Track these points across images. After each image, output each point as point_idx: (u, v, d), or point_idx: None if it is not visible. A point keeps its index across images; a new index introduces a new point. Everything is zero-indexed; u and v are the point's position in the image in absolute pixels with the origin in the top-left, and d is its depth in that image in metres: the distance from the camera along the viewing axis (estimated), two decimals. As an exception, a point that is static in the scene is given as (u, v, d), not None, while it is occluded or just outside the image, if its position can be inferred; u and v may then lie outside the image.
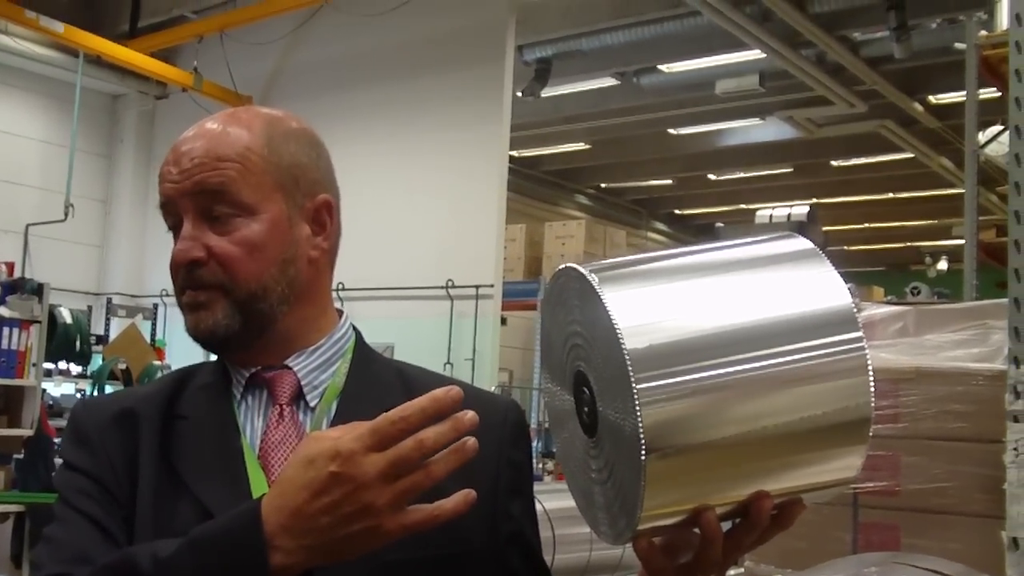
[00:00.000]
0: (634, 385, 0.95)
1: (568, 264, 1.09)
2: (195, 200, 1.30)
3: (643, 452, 0.95)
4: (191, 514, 1.21)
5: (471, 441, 1.03)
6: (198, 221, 1.30)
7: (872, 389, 1.02)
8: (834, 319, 1.02)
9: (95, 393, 8.16)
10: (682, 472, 0.97)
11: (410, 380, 1.39)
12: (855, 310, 1.03)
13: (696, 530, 1.04)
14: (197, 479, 1.25)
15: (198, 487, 1.24)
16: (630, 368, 0.95)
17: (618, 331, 0.97)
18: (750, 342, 0.99)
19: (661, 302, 1.01)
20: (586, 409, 1.08)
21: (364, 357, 1.41)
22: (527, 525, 1.40)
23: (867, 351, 1.02)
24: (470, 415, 1.02)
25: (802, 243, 1.09)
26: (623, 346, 0.96)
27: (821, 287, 1.04)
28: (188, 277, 1.31)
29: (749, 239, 1.10)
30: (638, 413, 0.95)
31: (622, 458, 1.00)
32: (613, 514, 1.06)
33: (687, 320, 0.99)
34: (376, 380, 1.38)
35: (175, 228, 1.33)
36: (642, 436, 0.95)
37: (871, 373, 1.02)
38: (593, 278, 1.02)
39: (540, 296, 12.06)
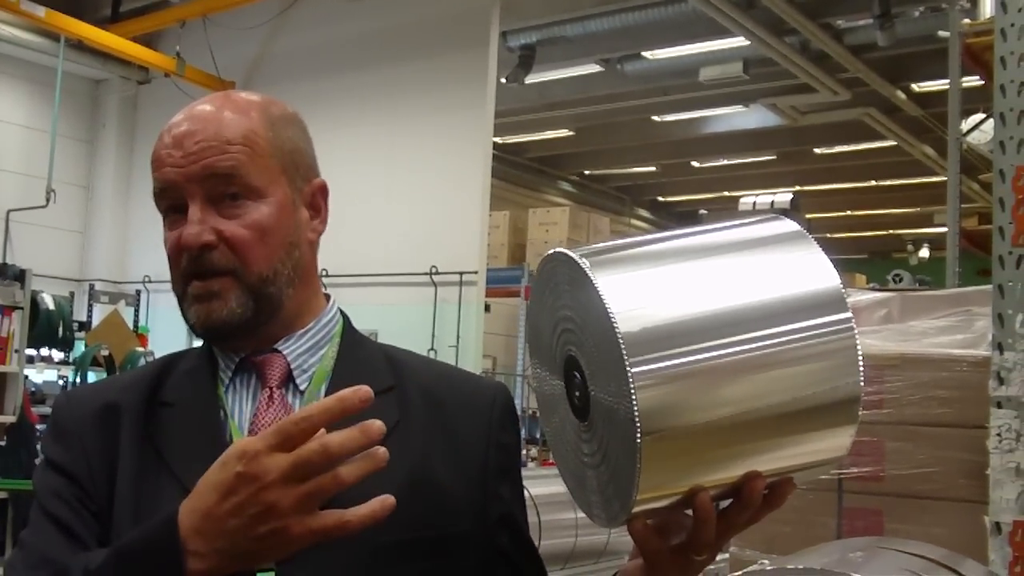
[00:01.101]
0: (628, 368, 0.96)
1: (557, 249, 1.09)
2: (203, 184, 1.28)
3: (638, 434, 0.96)
4: (177, 499, 1.18)
5: (381, 451, 1.01)
6: (205, 205, 1.28)
7: (861, 368, 1.03)
8: (823, 300, 1.03)
9: (78, 380, 8.12)
10: (676, 454, 0.98)
11: (398, 363, 1.40)
12: (843, 291, 1.05)
13: (689, 511, 1.05)
14: (182, 464, 1.24)
15: (183, 472, 1.22)
16: (624, 352, 0.96)
17: (611, 315, 0.97)
18: (742, 324, 0.99)
19: (653, 285, 1.01)
20: (577, 393, 1.08)
21: (352, 341, 1.41)
22: (516, 506, 1.40)
23: (855, 331, 1.03)
24: (378, 424, 1.01)
25: (790, 225, 1.10)
26: (616, 330, 0.97)
27: (810, 269, 1.05)
28: (197, 263, 1.28)
29: (736, 222, 1.11)
30: (633, 396, 0.95)
31: (616, 441, 1.01)
32: (607, 496, 1.06)
33: (679, 303, 1.00)
34: (365, 364, 1.38)
35: (172, 213, 1.30)
36: (637, 418, 0.95)
37: (860, 352, 1.03)
38: (584, 263, 1.02)
39: (524, 283, 12.10)
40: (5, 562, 6.69)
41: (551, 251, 1.10)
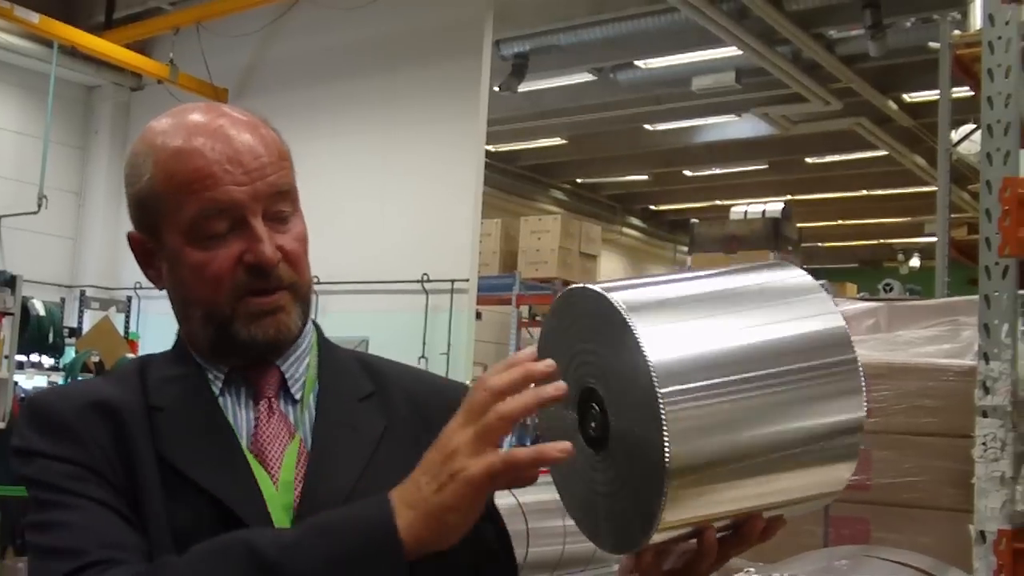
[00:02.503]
0: (661, 408, 1.01)
1: (581, 284, 1.14)
2: (267, 201, 1.28)
3: (666, 479, 1.01)
4: (204, 508, 1.20)
5: (552, 387, 1.07)
6: (262, 223, 1.28)
7: (865, 403, 1.13)
8: (838, 363, 1.12)
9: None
10: (696, 490, 1.04)
11: (373, 369, 1.43)
12: (849, 336, 1.14)
13: (689, 541, 1.12)
14: (203, 473, 1.23)
15: (207, 481, 1.22)
16: (662, 405, 1.01)
17: (652, 369, 1.02)
18: (761, 367, 1.07)
19: (688, 340, 1.07)
20: (593, 424, 1.12)
21: (328, 349, 1.42)
22: (492, 499, 1.44)
23: (860, 369, 1.13)
24: (547, 362, 1.08)
25: (801, 275, 1.19)
26: (653, 375, 1.02)
27: (827, 331, 1.13)
28: (264, 279, 1.27)
29: (750, 266, 1.20)
30: (665, 434, 1.01)
31: (637, 474, 1.05)
32: (619, 525, 1.11)
33: (711, 359, 1.06)
34: (344, 371, 1.40)
35: (216, 233, 1.27)
36: (667, 455, 1.01)
37: (864, 388, 1.13)
38: (621, 305, 1.07)
39: (515, 291, 12.09)
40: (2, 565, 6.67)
41: (573, 286, 1.16)
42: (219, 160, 1.26)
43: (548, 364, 1.07)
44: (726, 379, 1.04)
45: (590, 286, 1.12)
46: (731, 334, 1.08)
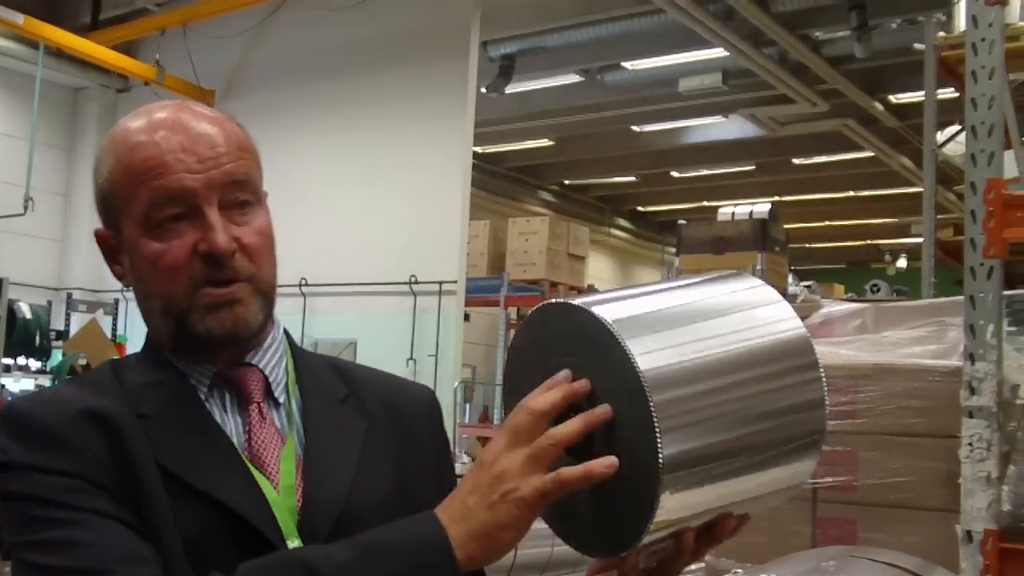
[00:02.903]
0: (656, 425, 1.06)
1: (562, 301, 1.19)
2: (222, 190, 1.26)
3: (660, 482, 1.06)
4: (212, 515, 1.19)
5: (599, 409, 1.11)
6: (217, 212, 1.26)
7: (826, 399, 1.21)
8: (797, 349, 1.21)
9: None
10: (683, 496, 1.10)
11: (343, 371, 1.43)
12: (810, 339, 1.23)
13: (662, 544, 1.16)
14: (207, 480, 1.21)
15: (212, 488, 1.20)
16: (654, 413, 1.06)
17: (643, 378, 1.08)
18: (739, 389, 1.14)
19: (669, 351, 1.12)
20: None
21: (299, 351, 1.42)
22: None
23: (822, 373, 1.21)
24: (584, 383, 1.13)
25: (757, 284, 1.26)
26: (647, 392, 1.07)
27: (791, 338, 1.21)
28: (220, 270, 1.25)
29: (720, 278, 1.28)
30: (660, 449, 1.06)
31: (625, 482, 1.09)
32: (606, 532, 1.15)
33: (692, 369, 1.12)
34: (318, 374, 1.40)
35: (169, 223, 1.25)
36: (662, 467, 1.06)
37: (825, 388, 1.21)
38: (607, 320, 1.12)
39: (503, 292, 12.09)
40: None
41: (547, 302, 1.21)
42: (173, 149, 1.26)
43: (584, 384, 1.12)
44: (707, 386, 1.11)
45: (571, 302, 1.16)
46: (708, 344, 1.14)
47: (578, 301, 1.15)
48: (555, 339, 1.18)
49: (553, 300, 1.20)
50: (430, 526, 1.10)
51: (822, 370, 1.21)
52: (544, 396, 1.11)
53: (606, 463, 1.07)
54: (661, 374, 1.08)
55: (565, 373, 1.14)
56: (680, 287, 1.25)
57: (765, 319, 1.20)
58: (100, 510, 1.15)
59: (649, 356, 1.09)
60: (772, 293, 1.25)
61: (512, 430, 1.11)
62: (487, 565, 1.12)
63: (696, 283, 1.26)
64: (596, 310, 1.13)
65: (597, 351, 1.12)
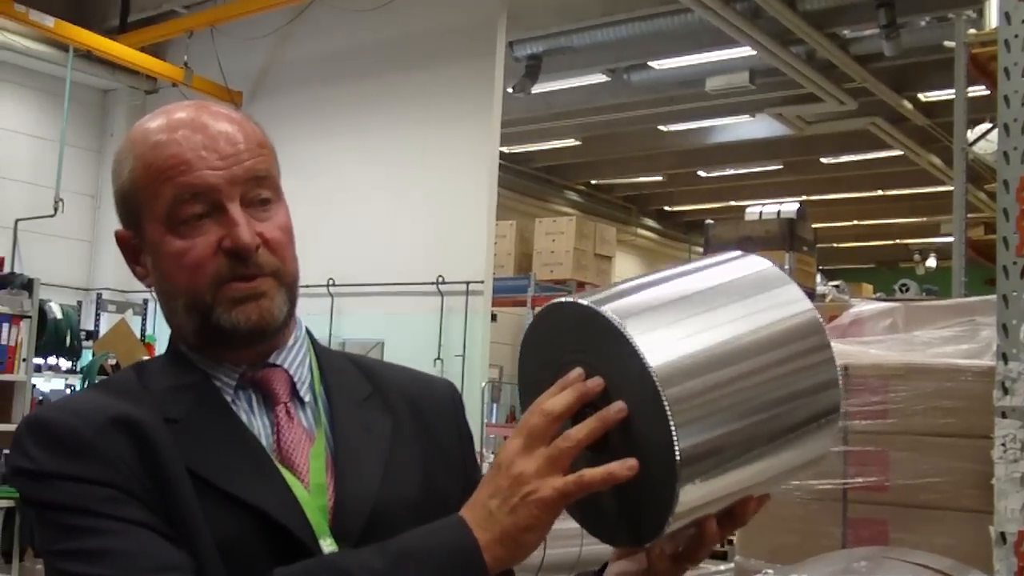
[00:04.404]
0: (670, 417, 1.07)
1: (569, 300, 1.19)
2: (245, 186, 1.28)
3: (678, 472, 1.07)
4: (244, 519, 1.19)
5: (614, 407, 1.11)
6: (239, 208, 1.27)
7: (840, 375, 1.21)
8: (806, 329, 1.20)
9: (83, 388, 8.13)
10: (702, 484, 1.10)
11: (366, 368, 1.44)
12: (819, 318, 1.22)
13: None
14: (239, 484, 1.21)
15: (244, 491, 1.21)
16: (667, 405, 1.07)
17: (653, 373, 1.08)
18: (752, 374, 1.14)
19: (679, 341, 1.12)
20: None
21: (321, 349, 1.42)
22: None
23: (832, 351, 1.21)
24: (598, 380, 1.14)
25: (772, 268, 1.26)
26: (658, 385, 1.07)
27: (801, 319, 1.21)
28: (244, 265, 1.26)
29: (724, 261, 1.27)
30: (675, 440, 1.06)
31: (645, 473, 1.10)
32: (631, 522, 1.16)
33: (704, 357, 1.12)
34: (342, 372, 1.41)
35: (192, 220, 1.26)
36: (679, 457, 1.06)
37: (837, 364, 1.21)
38: (613, 316, 1.12)
39: (530, 292, 12.09)
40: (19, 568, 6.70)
41: (554, 301, 1.21)
42: (194, 147, 1.27)
43: (598, 383, 1.12)
44: (719, 376, 1.11)
45: (577, 300, 1.17)
46: (716, 331, 1.14)
47: (585, 300, 1.15)
48: (565, 337, 1.19)
49: (560, 299, 1.20)
50: (459, 532, 1.10)
51: (832, 349, 1.21)
52: (558, 398, 1.12)
53: (627, 465, 1.08)
54: (672, 367, 1.09)
55: (578, 372, 1.14)
56: (685, 273, 1.25)
57: (773, 302, 1.20)
58: (132, 518, 1.15)
59: (658, 350, 1.09)
60: (779, 275, 1.25)
61: (528, 432, 1.11)
62: (514, 565, 1.13)
63: (702, 268, 1.26)
64: (602, 308, 1.13)
65: (607, 348, 1.12)
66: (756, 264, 1.26)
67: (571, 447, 1.09)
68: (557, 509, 1.10)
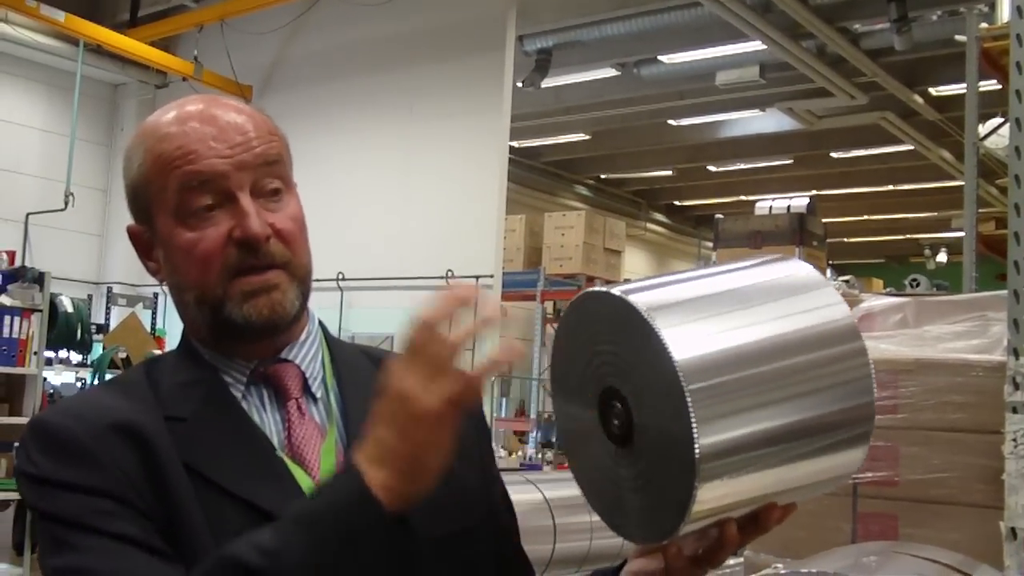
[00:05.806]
0: (692, 413, 1.05)
1: (602, 289, 1.17)
2: (255, 173, 1.26)
3: (697, 470, 1.05)
4: (249, 520, 1.15)
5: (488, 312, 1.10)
6: (250, 198, 1.25)
7: (875, 388, 1.16)
8: (847, 353, 1.16)
9: (95, 382, 8.16)
10: (722, 485, 1.08)
11: (379, 359, 1.40)
12: (856, 326, 1.18)
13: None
14: (243, 484, 1.19)
15: (248, 492, 1.19)
16: (689, 401, 1.05)
17: (678, 367, 1.06)
18: (781, 376, 1.11)
19: (708, 337, 1.10)
20: (616, 422, 1.15)
21: (334, 342, 1.41)
22: (501, 480, 1.45)
23: (869, 359, 1.16)
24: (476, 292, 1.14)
25: (806, 269, 1.23)
26: (682, 380, 1.05)
27: (835, 323, 1.17)
28: (255, 256, 1.24)
29: (763, 262, 1.24)
30: (695, 437, 1.04)
31: (666, 469, 1.09)
32: (649, 518, 1.14)
33: (732, 354, 1.10)
34: (355, 366, 1.39)
35: (201, 212, 1.24)
36: (698, 455, 1.04)
37: (873, 376, 1.17)
38: (642, 308, 1.10)
39: (540, 287, 12.10)
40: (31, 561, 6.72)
41: (589, 290, 1.19)
42: (203, 138, 1.25)
43: (470, 284, 1.11)
44: (745, 373, 1.09)
45: (609, 290, 1.15)
46: (747, 330, 1.12)
47: (616, 289, 1.14)
48: (596, 327, 1.17)
49: (594, 288, 1.18)
50: (350, 480, 1.06)
51: (869, 358, 1.16)
52: (431, 307, 1.09)
53: (510, 347, 1.08)
54: (697, 363, 1.06)
55: (466, 285, 1.12)
56: (723, 272, 1.22)
57: (809, 305, 1.17)
58: (123, 534, 1.14)
59: (685, 345, 1.07)
60: (818, 278, 1.21)
61: (410, 348, 1.08)
62: (424, 492, 1.07)
63: (740, 267, 1.23)
64: (632, 298, 1.11)
65: (635, 339, 1.10)
66: (795, 267, 1.23)
67: (449, 349, 1.06)
68: (448, 418, 1.05)
